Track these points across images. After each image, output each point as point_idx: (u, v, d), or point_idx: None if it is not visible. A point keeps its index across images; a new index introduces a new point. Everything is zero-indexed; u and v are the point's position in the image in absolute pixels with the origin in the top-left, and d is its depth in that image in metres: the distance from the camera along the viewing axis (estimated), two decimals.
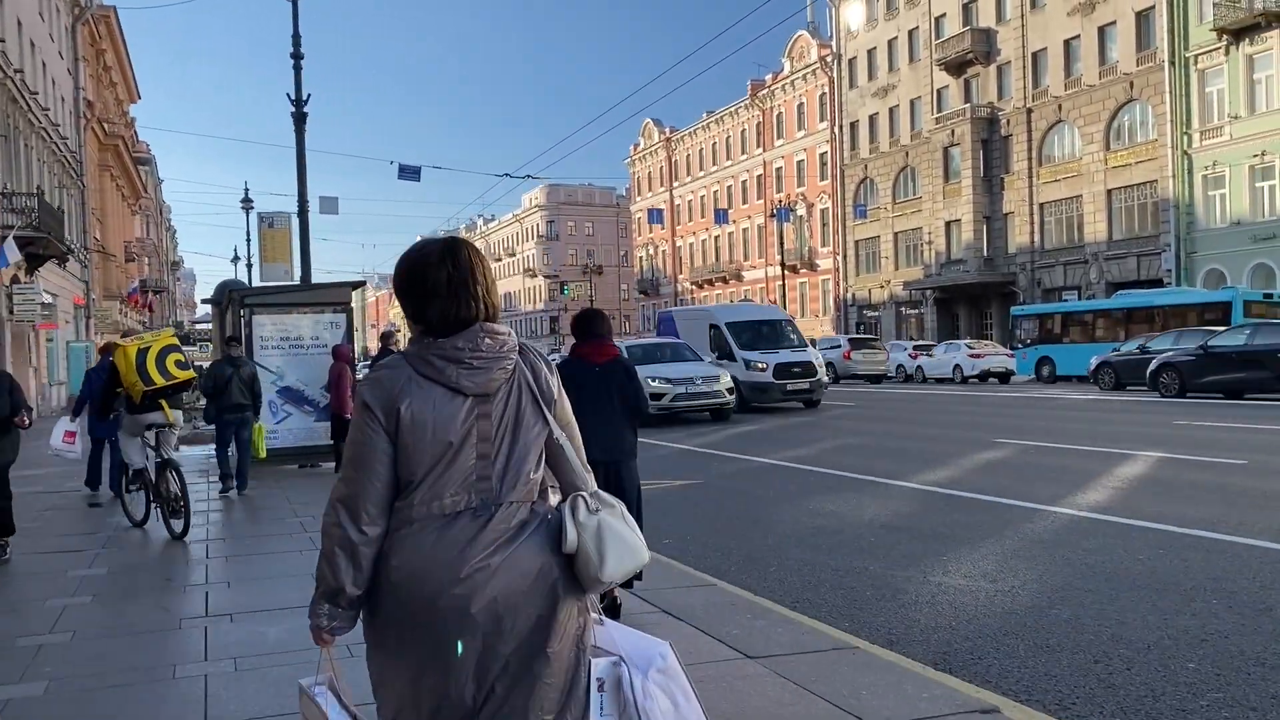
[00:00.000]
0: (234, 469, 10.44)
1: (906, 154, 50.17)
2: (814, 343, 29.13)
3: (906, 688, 3.95)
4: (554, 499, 2.09)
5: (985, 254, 45.07)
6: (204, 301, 25.70)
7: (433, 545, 1.94)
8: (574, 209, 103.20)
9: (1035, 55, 42.52)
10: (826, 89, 57.05)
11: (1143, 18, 37.64)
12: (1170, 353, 21.43)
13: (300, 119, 17.50)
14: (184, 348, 9.33)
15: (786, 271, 55.13)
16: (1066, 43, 40.93)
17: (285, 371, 13.27)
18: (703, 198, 71.97)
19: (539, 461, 2.07)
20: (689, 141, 74.00)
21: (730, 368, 20.85)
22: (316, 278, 17.07)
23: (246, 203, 37.75)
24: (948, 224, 46.99)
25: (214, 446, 10.96)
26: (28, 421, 7.23)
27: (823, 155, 57.89)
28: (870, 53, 52.96)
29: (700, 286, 71.89)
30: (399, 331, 22.93)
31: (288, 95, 17.49)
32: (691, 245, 74.00)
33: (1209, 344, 20.32)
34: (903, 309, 51.24)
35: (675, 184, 76.08)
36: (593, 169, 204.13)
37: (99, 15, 41.03)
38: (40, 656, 4.74)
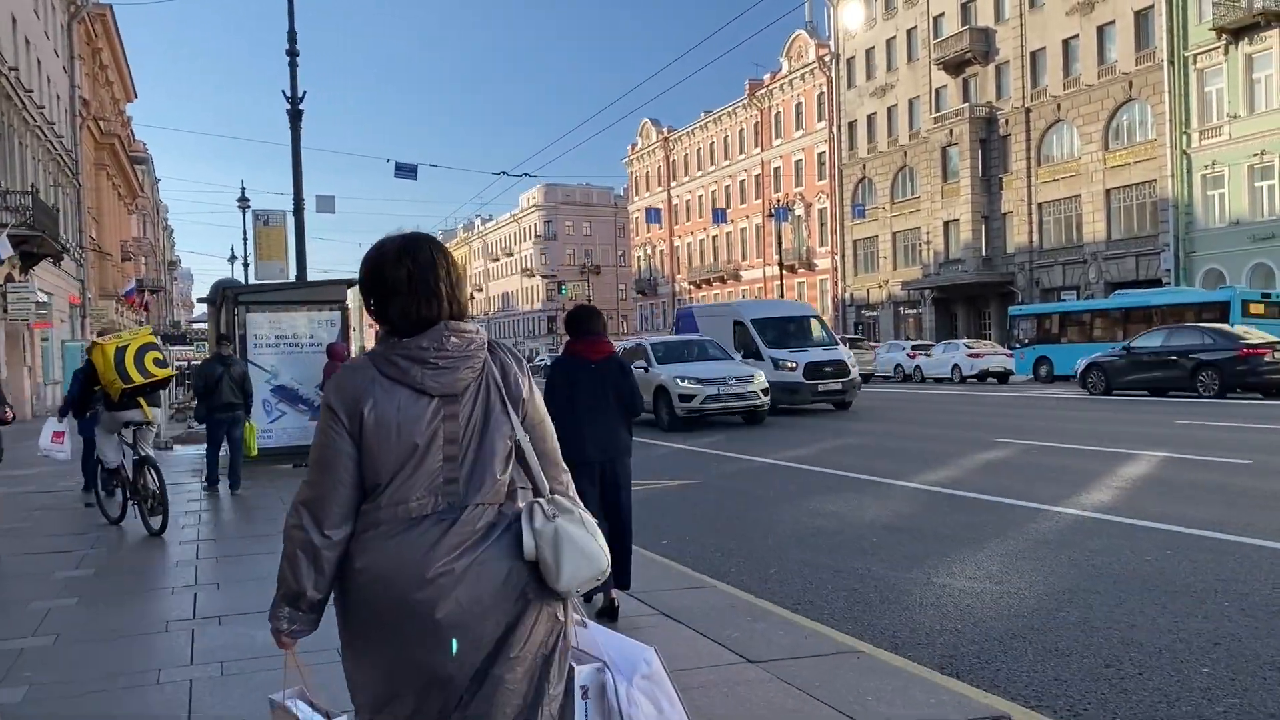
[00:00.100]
0: (227, 468, 10.35)
1: (905, 154, 50.08)
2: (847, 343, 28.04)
3: (913, 693, 3.83)
4: (524, 500, 2.02)
5: (984, 254, 44.99)
6: (200, 301, 25.59)
7: (397, 548, 1.90)
8: (572, 208, 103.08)
9: (1034, 55, 42.44)
10: (824, 89, 56.96)
11: (1142, 17, 37.56)
12: (1098, 354, 23.59)
13: (295, 116, 17.37)
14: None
15: (784, 271, 55.00)
16: (1065, 42, 40.84)
17: (280, 370, 13.14)
18: (701, 197, 71.86)
19: (507, 462, 2.01)
20: (687, 141, 73.89)
21: (757, 367, 19.56)
22: (313, 276, 16.94)
23: (243, 201, 37.60)
24: (946, 224, 46.91)
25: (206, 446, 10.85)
26: (11, 415, 7.13)
27: (821, 155, 57.80)
28: (868, 52, 52.87)
29: (698, 286, 71.77)
30: None
31: (283, 92, 17.36)
32: (689, 245, 73.89)
33: (1130, 345, 22.37)
34: (901, 309, 51.15)
35: (673, 184, 75.97)
36: (590, 168, 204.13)
37: (95, 13, 40.86)
38: (21, 660, 4.61)
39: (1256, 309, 26.33)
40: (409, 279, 1.99)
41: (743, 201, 66.30)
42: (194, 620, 5.22)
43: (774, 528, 7.83)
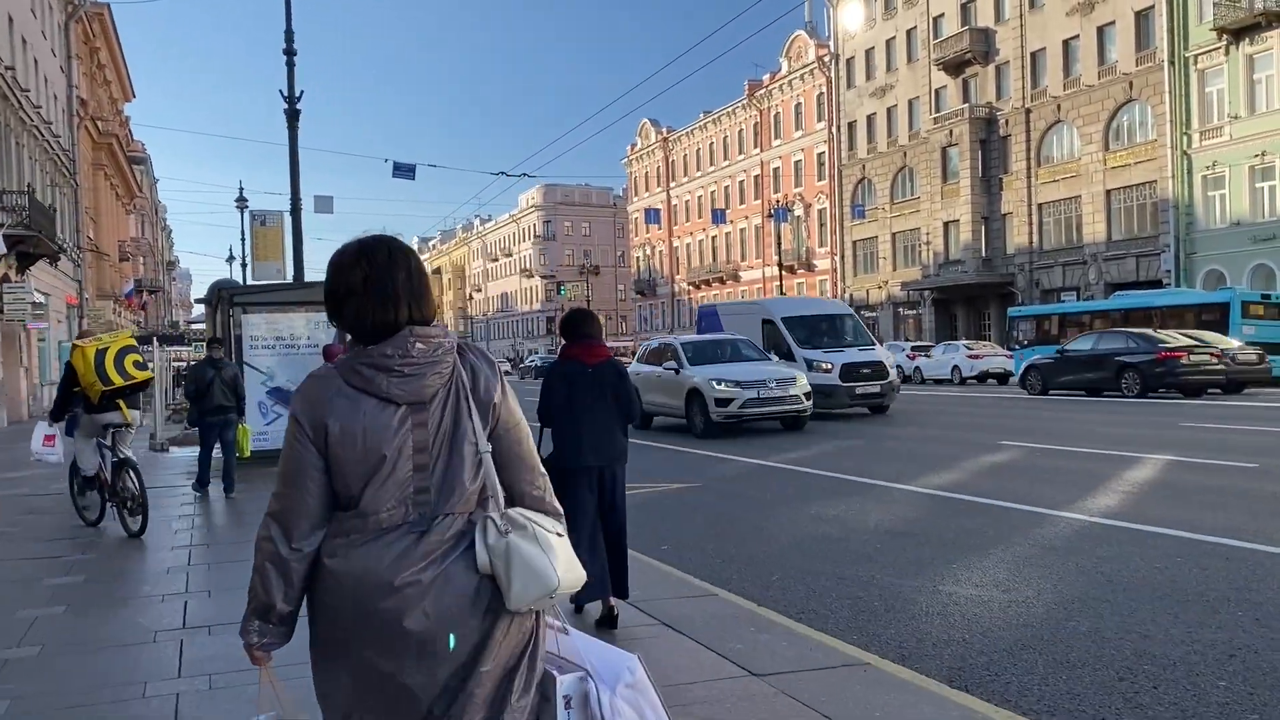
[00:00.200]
0: (221, 471, 10.25)
1: (904, 154, 49.98)
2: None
3: (923, 708, 3.72)
4: (501, 504, 1.97)
5: (983, 255, 44.89)
6: (198, 301, 25.47)
7: (365, 557, 1.86)
8: (571, 209, 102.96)
9: (1034, 55, 42.35)
10: (824, 89, 56.86)
11: (1142, 17, 37.47)
12: (1037, 357, 25.27)
13: (293, 116, 17.26)
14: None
15: (784, 272, 54.92)
16: (1065, 43, 40.75)
17: (276, 372, 13.02)
18: (700, 198, 71.76)
19: (478, 470, 1.95)
20: (686, 141, 73.79)
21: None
22: (310, 277, 16.80)
23: (241, 201, 37.44)
24: (946, 224, 46.80)
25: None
26: None
27: (820, 155, 57.70)
28: (868, 53, 52.78)
29: (697, 287, 71.67)
30: None
31: (281, 92, 17.26)
32: (689, 245, 73.79)
33: (1065, 349, 23.94)
34: (900, 310, 51.05)
35: (672, 184, 75.87)
36: (590, 169, 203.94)
37: (93, 12, 40.72)
38: (5, 672, 4.49)
39: (1257, 310, 26.27)
40: (365, 282, 1.93)
41: (742, 202, 66.20)
42: (183, 630, 5.10)
43: (775, 533, 7.71)
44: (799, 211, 58.78)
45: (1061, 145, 41.75)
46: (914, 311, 50.04)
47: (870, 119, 52.79)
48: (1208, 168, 35.17)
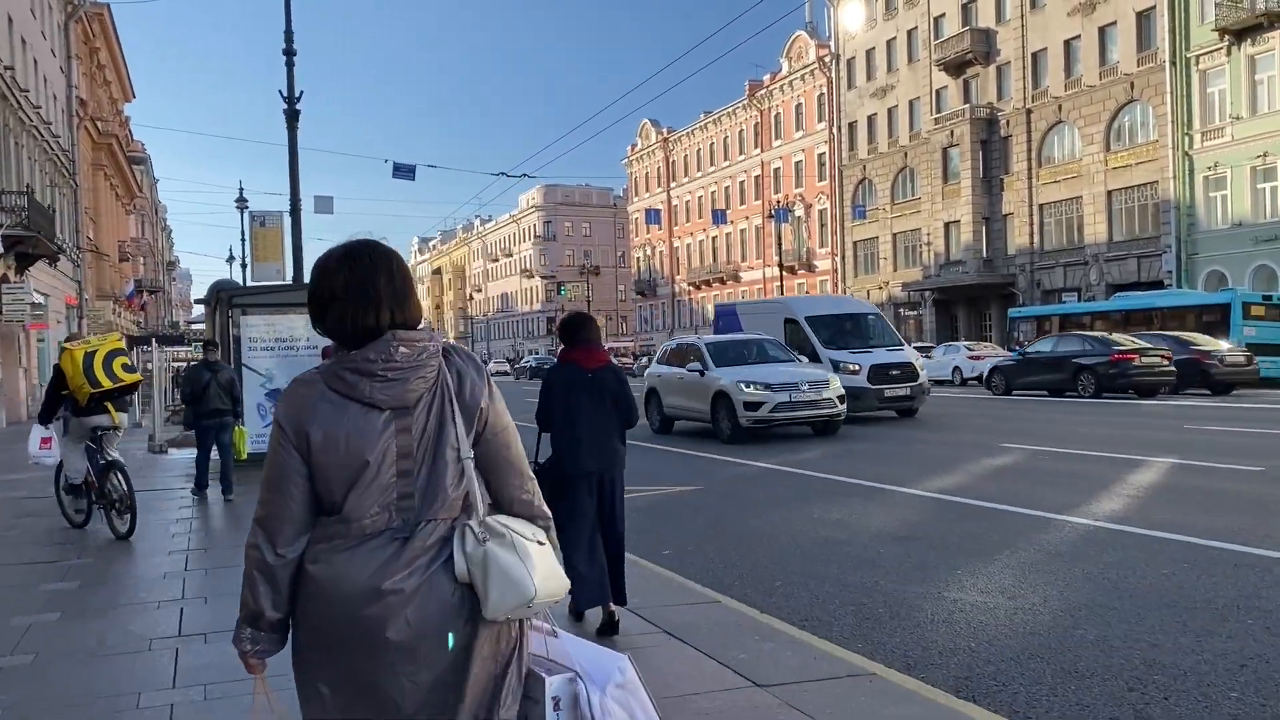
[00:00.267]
0: (219, 474, 10.19)
1: (905, 155, 49.91)
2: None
3: None
4: (484, 511, 1.96)
5: (984, 255, 44.82)
6: (197, 302, 25.42)
7: (348, 564, 1.85)
8: (571, 209, 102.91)
9: (1035, 55, 42.28)
10: (825, 89, 56.79)
11: (1143, 18, 37.41)
12: (999, 359, 26.93)
13: (293, 116, 17.20)
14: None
15: (784, 273, 54.85)
16: (1066, 43, 40.69)
17: (275, 373, 12.94)
18: (700, 198, 71.70)
19: (461, 476, 1.93)
20: (687, 142, 73.72)
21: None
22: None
23: (241, 202, 37.37)
24: (947, 225, 46.74)
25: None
26: None
27: (821, 156, 57.64)
28: (869, 53, 52.71)
29: (698, 287, 71.63)
30: None
31: (280, 92, 17.20)
32: (689, 246, 73.72)
33: (1026, 351, 25.29)
34: (901, 310, 50.94)
35: (673, 184, 75.80)
36: (590, 169, 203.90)
37: (92, 13, 40.64)
38: None
39: (1258, 311, 26.24)
40: (345, 285, 1.91)
41: (742, 202, 66.14)
42: (178, 638, 5.03)
43: (777, 537, 7.65)
44: (799, 212, 58.71)
45: (1063, 146, 41.68)
46: (915, 312, 49.96)
47: (871, 119, 52.73)
48: (1209, 168, 35.10)
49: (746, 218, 65.47)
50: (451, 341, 2.09)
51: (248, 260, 29.35)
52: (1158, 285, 35.43)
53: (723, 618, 5.14)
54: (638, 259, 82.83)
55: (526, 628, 1.99)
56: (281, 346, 13.15)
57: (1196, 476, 9.80)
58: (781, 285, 53.06)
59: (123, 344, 8.58)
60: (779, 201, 58.03)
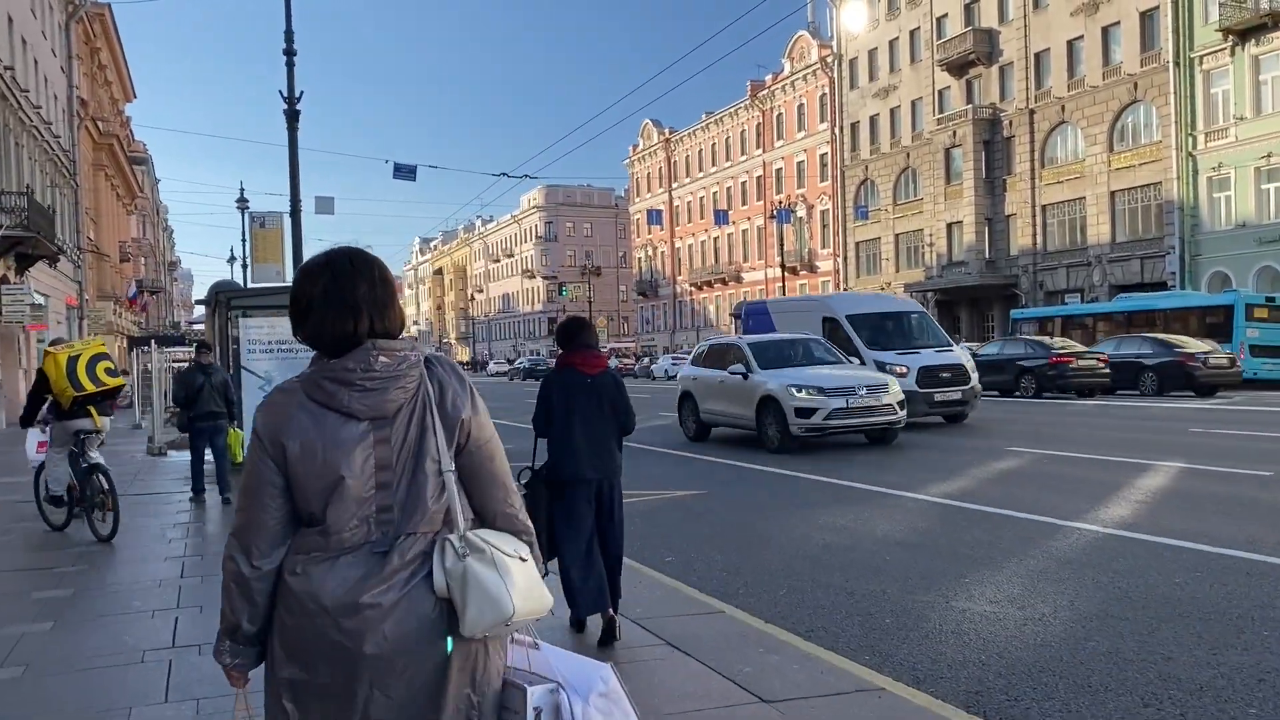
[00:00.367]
0: (215, 477, 10.12)
1: (907, 155, 49.79)
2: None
3: None
4: (463, 526, 1.91)
5: (987, 256, 44.71)
6: (198, 302, 25.35)
7: (325, 578, 1.82)
8: (572, 210, 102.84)
9: (1038, 56, 42.16)
10: (827, 90, 56.68)
11: (1147, 18, 37.28)
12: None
13: (293, 116, 17.11)
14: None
15: (786, 273, 54.76)
16: (1069, 43, 40.56)
17: (274, 376, 12.82)
18: (702, 199, 71.60)
19: (442, 489, 1.89)
20: (688, 142, 73.62)
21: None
22: None
23: (242, 202, 37.30)
24: (949, 226, 46.63)
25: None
26: None
27: (823, 156, 57.52)
28: (871, 53, 52.60)
29: (699, 288, 71.55)
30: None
31: (280, 92, 17.10)
32: (691, 246, 73.62)
33: (976, 354, 25.14)
34: None
35: (674, 185, 75.70)
36: (591, 170, 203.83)
37: (93, 13, 40.56)
38: None
39: (1261, 313, 26.13)
40: (325, 292, 1.88)
41: (744, 203, 66.03)
42: (172, 649, 4.93)
43: (782, 544, 7.54)
44: (801, 213, 58.58)
45: (1065, 146, 41.56)
46: None
47: (873, 120, 52.61)
48: (1213, 169, 34.97)
49: (748, 218, 65.37)
50: (433, 351, 2.03)
51: (248, 261, 29.29)
52: (1161, 286, 35.30)
53: (727, 628, 5.04)
54: (639, 260, 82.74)
55: (497, 647, 1.95)
56: (281, 349, 13.04)
57: (1205, 481, 9.70)
58: (783, 286, 52.96)
59: (106, 348, 8.69)
60: (781, 202, 57.92)
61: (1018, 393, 24.43)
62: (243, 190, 37.71)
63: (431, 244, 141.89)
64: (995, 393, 24.34)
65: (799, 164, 59.98)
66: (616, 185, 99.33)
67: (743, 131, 66.29)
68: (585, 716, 1.91)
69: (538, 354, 79.54)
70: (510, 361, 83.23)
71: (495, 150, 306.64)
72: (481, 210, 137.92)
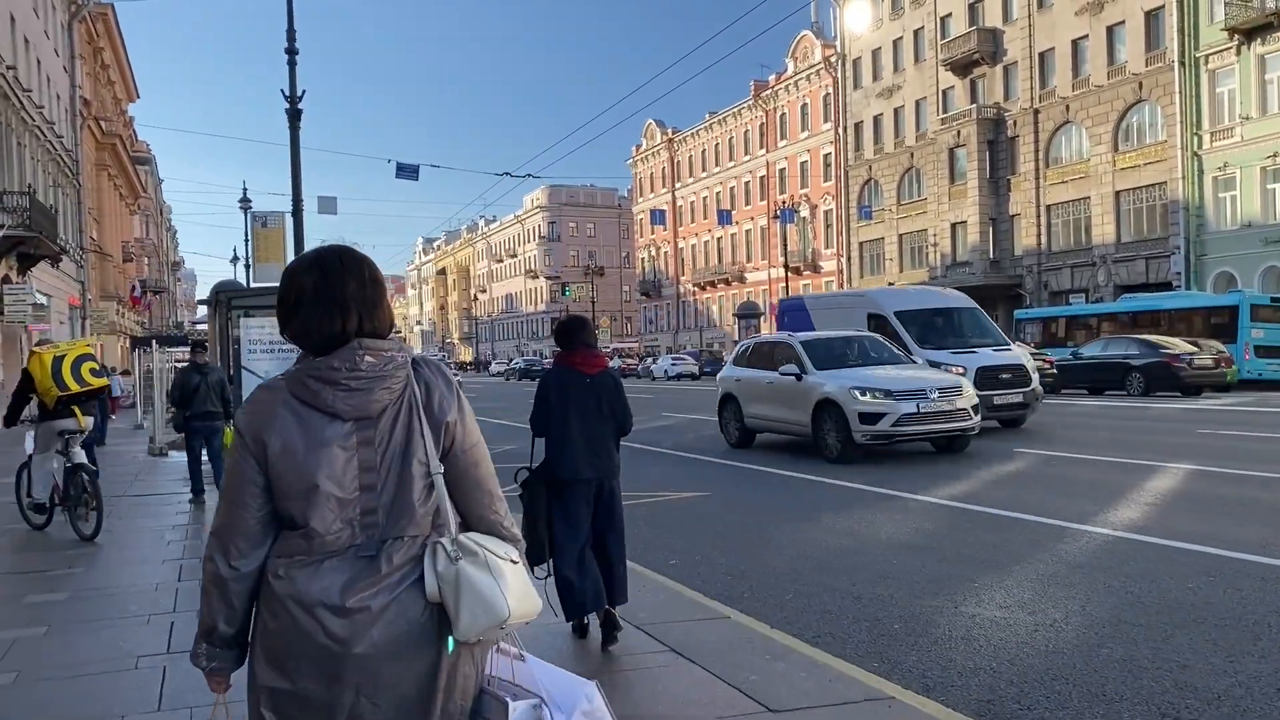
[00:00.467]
0: (213, 477, 10.08)
1: (911, 155, 49.67)
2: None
3: None
4: (453, 530, 1.87)
5: (991, 256, 44.58)
6: (200, 302, 25.33)
7: (309, 581, 1.77)
8: (575, 210, 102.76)
9: (1042, 55, 42.02)
10: (830, 89, 56.58)
11: (1152, 17, 37.14)
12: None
13: (295, 116, 17.02)
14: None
15: (790, 273, 54.66)
16: (1074, 43, 40.43)
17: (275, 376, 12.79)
18: (705, 199, 71.53)
19: (429, 491, 1.85)
20: (691, 142, 73.55)
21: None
22: None
23: (244, 202, 37.24)
24: (953, 226, 46.50)
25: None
26: None
27: (826, 156, 57.42)
28: (875, 53, 52.48)
29: (703, 288, 71.47)
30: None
31: (282, 91, 17.02)
32: (694, 246, 73.55)
33: None
34: None
35: (678, 185, 75.63)
36: (595, 170, 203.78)
37: (96, 13, 40.58)
38: None
39: (1266, 314, 26.00)
40: (314, 290, 1.85)
41: (748, 203, 65.95)
42: (167, 655, 4.84)
43: (787, 547, 7.44)
44: (805, 213, 58.49)
45: (1070, 146, 41.42)
46: None
47: (877, 120, 52.50)
48: (1218, 169, 34.83)
49: (752, 218, 65.27)
50: (420, 352, 1.97)
51: (250, 261, 29.24)
52: (1166, 286, 35.17)
53: (733, 635, 4.94)
54: (642, 260, 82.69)
55: (481, 653, 1.92)
56: (282, 349, 12.95)
57: (1216, 483, 9.59)
58: (787, 286, 52.85)
59: (92, 350, 8.78)
60: (784, 202, 57.84)
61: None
62: (245, 190, 37.56)
63: (435, 244, 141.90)
64: None
65: (802, 164, 59.87)
66: (619, 185, 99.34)
67: (746, 131, 66.20)
68: None
69: (538, 354, 79.50)
70: (509, 360, 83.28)
71: (497, 150, 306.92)
72: (484, 210, 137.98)
